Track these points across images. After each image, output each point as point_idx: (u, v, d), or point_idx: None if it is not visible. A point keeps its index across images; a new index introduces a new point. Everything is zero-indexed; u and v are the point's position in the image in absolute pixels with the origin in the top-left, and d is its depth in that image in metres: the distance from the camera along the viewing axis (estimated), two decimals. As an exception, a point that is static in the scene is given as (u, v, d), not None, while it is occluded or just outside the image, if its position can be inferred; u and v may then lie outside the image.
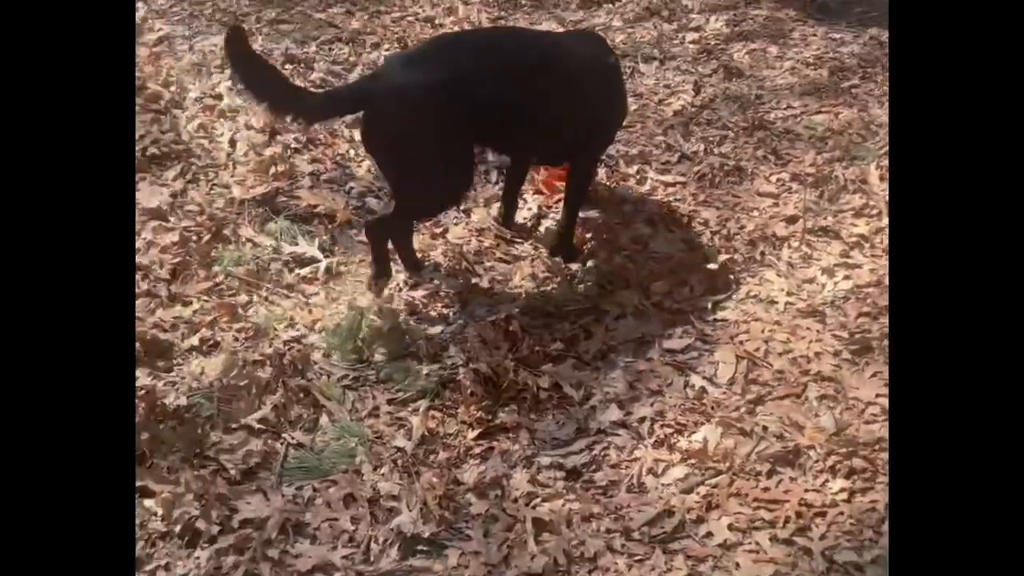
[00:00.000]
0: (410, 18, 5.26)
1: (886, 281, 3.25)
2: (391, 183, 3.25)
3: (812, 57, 4.86)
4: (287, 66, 4.65)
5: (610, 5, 5.51)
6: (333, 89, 3.16)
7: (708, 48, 5.00)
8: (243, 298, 3.23)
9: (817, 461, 2.62)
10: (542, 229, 3.58)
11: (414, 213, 3.31)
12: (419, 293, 3.27)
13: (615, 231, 3.53)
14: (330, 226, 3.62)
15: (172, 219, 3.58)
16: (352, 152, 4.03)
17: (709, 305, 3.21)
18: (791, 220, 3.58)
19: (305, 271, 3.39)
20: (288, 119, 3.17)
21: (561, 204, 3.49)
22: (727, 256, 3.38)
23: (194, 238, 3.47)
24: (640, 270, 3.32)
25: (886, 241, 3.45)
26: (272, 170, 3.86)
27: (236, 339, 3.06)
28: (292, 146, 4.03)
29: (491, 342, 2.98)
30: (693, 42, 5.11)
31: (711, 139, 4.17)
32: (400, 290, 3.28)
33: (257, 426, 2.74)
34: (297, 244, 3.49)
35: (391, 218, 3.24)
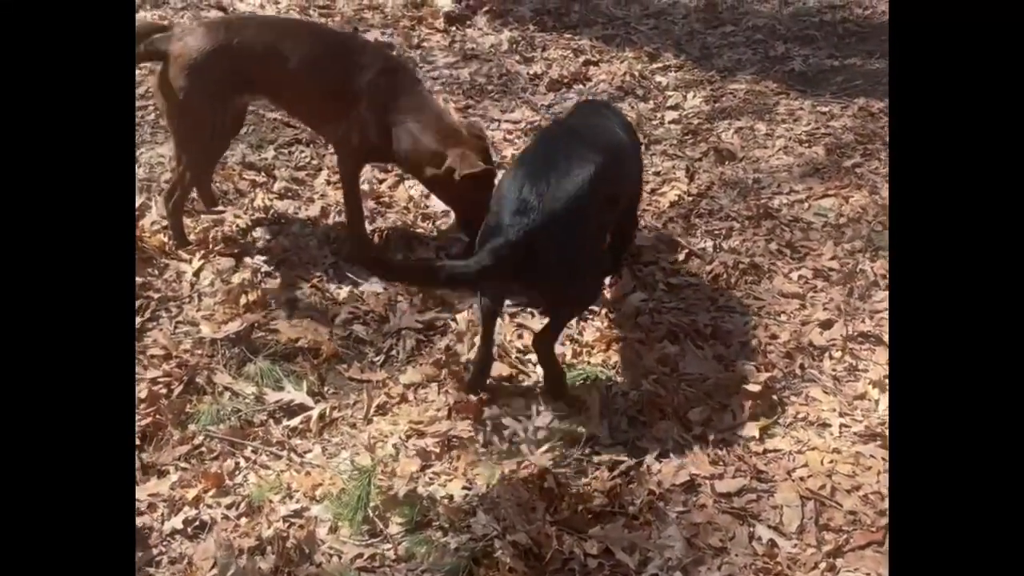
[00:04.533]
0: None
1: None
2: (557, 294, 2.92)
3: (804, 134, 4.62)
4: (245, 175, 4.26)
5: (580, 86, 5.22)
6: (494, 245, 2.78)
7: (692, 128, 4.73)
8: (228, 463, 2.81)
9: (923, 629, 2.27)
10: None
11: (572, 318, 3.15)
12: (429, 441, 2.88)
13: (636, 351, 3.19)
14: (316, 362, 3.22)
15: (136, 369, 3.15)
16: (331, 272, 3.64)
17: (756, 433, 2.88)
18: (826, 325, 3.27)
19: (295, 422, 2.98)
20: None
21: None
22: (767, 374, 3.05)
23: (164, 391, 3.04)
24: (674, 397, 2.97)
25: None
26: (243, 300, 3.45)
27: (226, 518, 2.63)
28: (263, 269, 3.62)
29: (525, 504, 2.59)
30: (673, 122, 4.84)
31: (716, 232, 3.87)
32: (408, 439, 2.89)
33: (264, 634, 2.31)
34: (282, 389, 3.09)
35: (557, 327, 3.01)
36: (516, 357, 3.20)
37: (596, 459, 2.80)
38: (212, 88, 3.45)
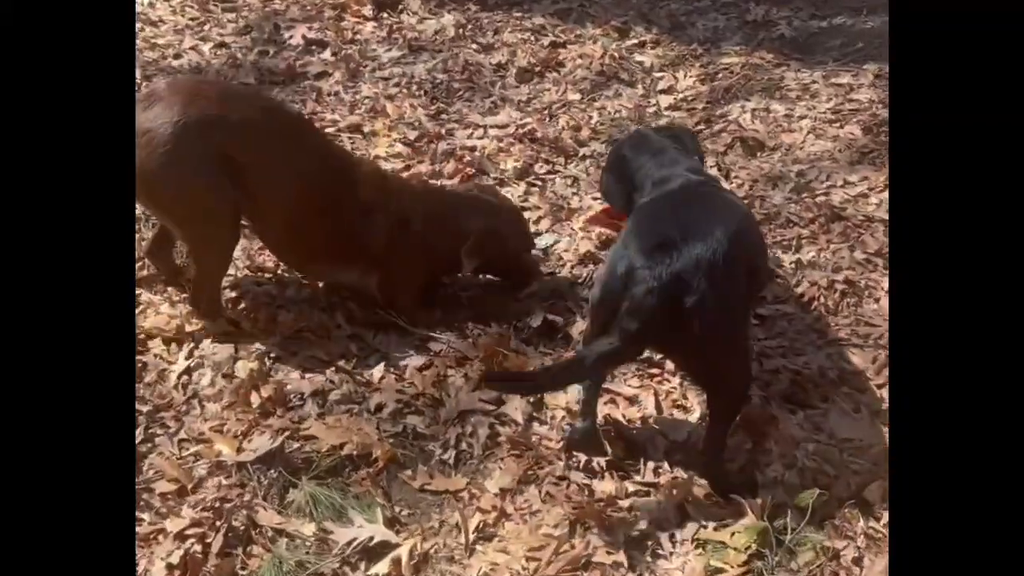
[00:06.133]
0: (328, 128, 4.14)
1: None
2: (716, 375, 2.38)
3: (828, 111, 4.13)
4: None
5: (555, 74, 4.59)
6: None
7: (701, 116, 4.18)
8: (319, 647, 2.14)
9: None
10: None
11: (743, 399, 2.49)
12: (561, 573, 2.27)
13: (767, 412, 2.64)
14: (373, 472, 2.55)
15: (145, 516, 2.41)
16: (354, 348, 2.94)
17: (950, 509, 2.38)
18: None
19: (381, 569, 2.31)
20: None
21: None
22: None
23: (199, 550, 2.32)
24: (847, 476, 2.45)
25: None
26: (255, 398, 2.74)
27: None
28: (271, 353, 2.90)
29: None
30: (672, 108, 4.28)
31: (785, 242, 3.35)
32: (534, 574, 2.27)
33: None
34: (348, 520, 2.41)
35: (723, 423, 2.42)
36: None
37: (777, 573, 2.25)
38: (202, 166, 2.67)
